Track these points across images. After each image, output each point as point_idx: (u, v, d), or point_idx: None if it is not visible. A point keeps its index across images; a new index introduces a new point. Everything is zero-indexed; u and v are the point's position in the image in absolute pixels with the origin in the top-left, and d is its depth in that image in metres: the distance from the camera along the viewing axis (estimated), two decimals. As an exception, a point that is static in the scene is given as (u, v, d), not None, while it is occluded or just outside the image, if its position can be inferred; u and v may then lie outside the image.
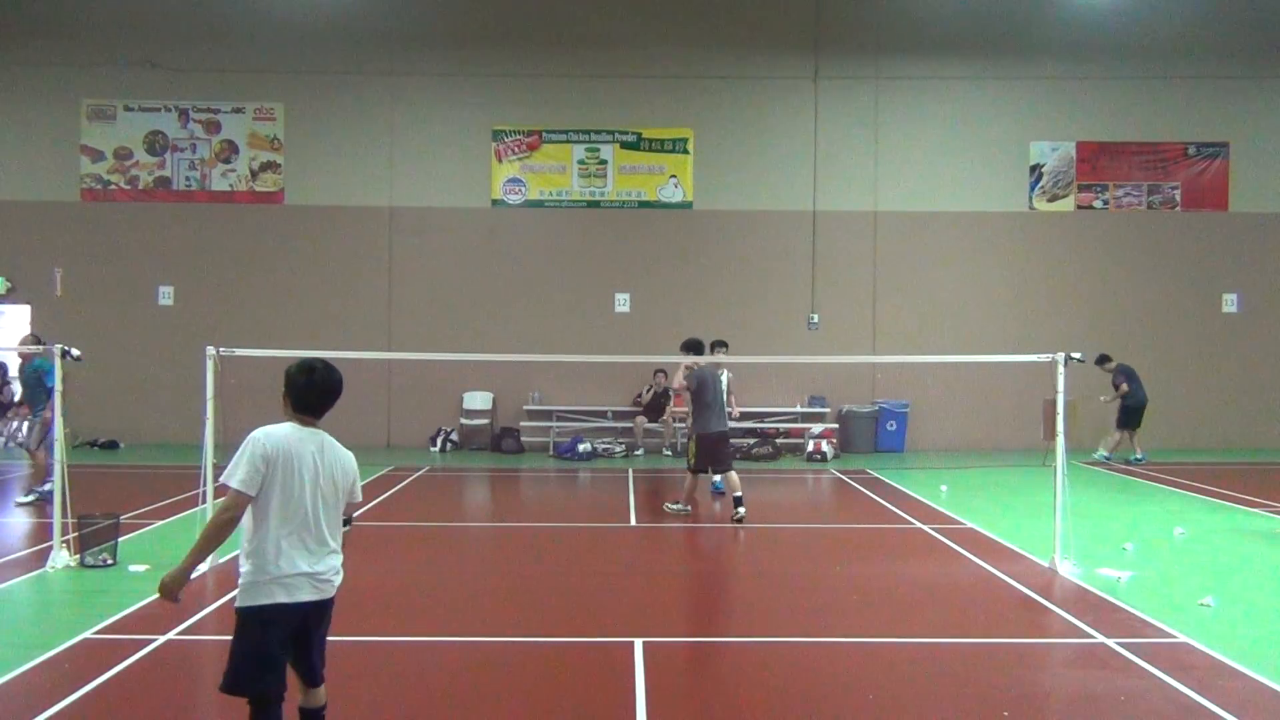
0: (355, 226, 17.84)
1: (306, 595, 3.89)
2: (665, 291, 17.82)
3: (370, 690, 5.45)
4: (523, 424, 17.70)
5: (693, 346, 11.04)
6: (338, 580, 4.06)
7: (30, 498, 11.38)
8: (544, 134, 17.92)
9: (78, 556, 8.18)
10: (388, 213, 17.89)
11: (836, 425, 17.32)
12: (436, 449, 17.31)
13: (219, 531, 3.82)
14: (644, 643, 6.28)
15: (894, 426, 17.24)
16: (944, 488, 12.95)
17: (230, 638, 3.94)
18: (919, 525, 10.49)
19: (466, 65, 17.91)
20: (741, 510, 10.40)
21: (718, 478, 12.03)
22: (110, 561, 8.22)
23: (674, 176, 17.95)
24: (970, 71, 18.04)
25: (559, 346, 16.22)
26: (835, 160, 17.92)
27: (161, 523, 10.12)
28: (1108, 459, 15.87)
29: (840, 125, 17.95)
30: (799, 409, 17.72)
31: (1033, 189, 18.13)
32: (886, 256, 17.94)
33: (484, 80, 17.96)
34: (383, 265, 17.88)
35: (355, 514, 4.32)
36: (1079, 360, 8.43)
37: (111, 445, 16.90)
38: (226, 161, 17.88)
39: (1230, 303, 18.14)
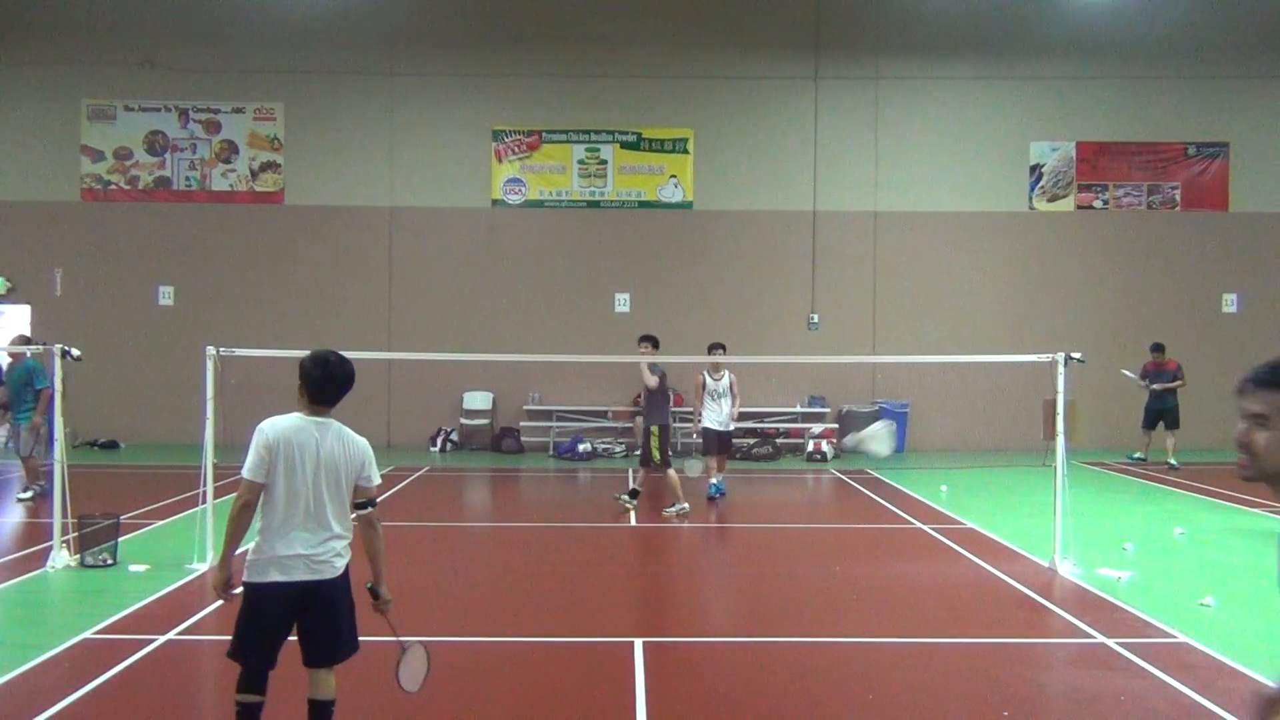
0: (355, 226, 17.84)
1: (301, 575, 4.09)
2: (665, 291, 17.82)
3: (370, 690, 5.45)
4: (523, 424, 17.70)
5: (654, 340, 11.21)
6: (339, 563, 4.20)
7: (29, 494, 11.41)
8: (544, 134, 17.92)
9: (78, 556, 8.18)
10: (388, 213, 17.89)
11: (836, 425, 17.32)
12: (436, 449, 17.31)
13: (235, 518, 4.11)
14: (644, 643, 6.28)
15: (894, 426, 17.21)
16: (944, 488, 12.95)
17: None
18: (919, 525, 10.49)
19: (466, 65, 17.91)
20: (632, 502, 11.15)
21: (715, 479, 11.99)
22: (110, 561, 8.23)
23: (674, 176, 17.95)
24: (970, 71, 18.04)
25: (559, 346, 16.21)
26: (835, 160, 17.92)
27: (161, 523, 10.12)
28: (1175, 466, 15.15)
29: (840, 125, 17.95)
30: (799, 409, 17.72)
31: (1033, 189, 18.13)
32: (886, 256, 17.94)
33: (484, 80, 17.96)
34: (383, 265, 17.88)
35: (377, 498, 4.43)
36: (1079, 360, 8.43)
37: (111, 445, 16.91)
38: (226, 161, 17.88)
39: (1230, 303, 18.14)
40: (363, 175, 17.86)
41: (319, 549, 4.14)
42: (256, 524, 4.20)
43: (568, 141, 17.93)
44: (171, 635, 6.34)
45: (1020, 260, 18.06)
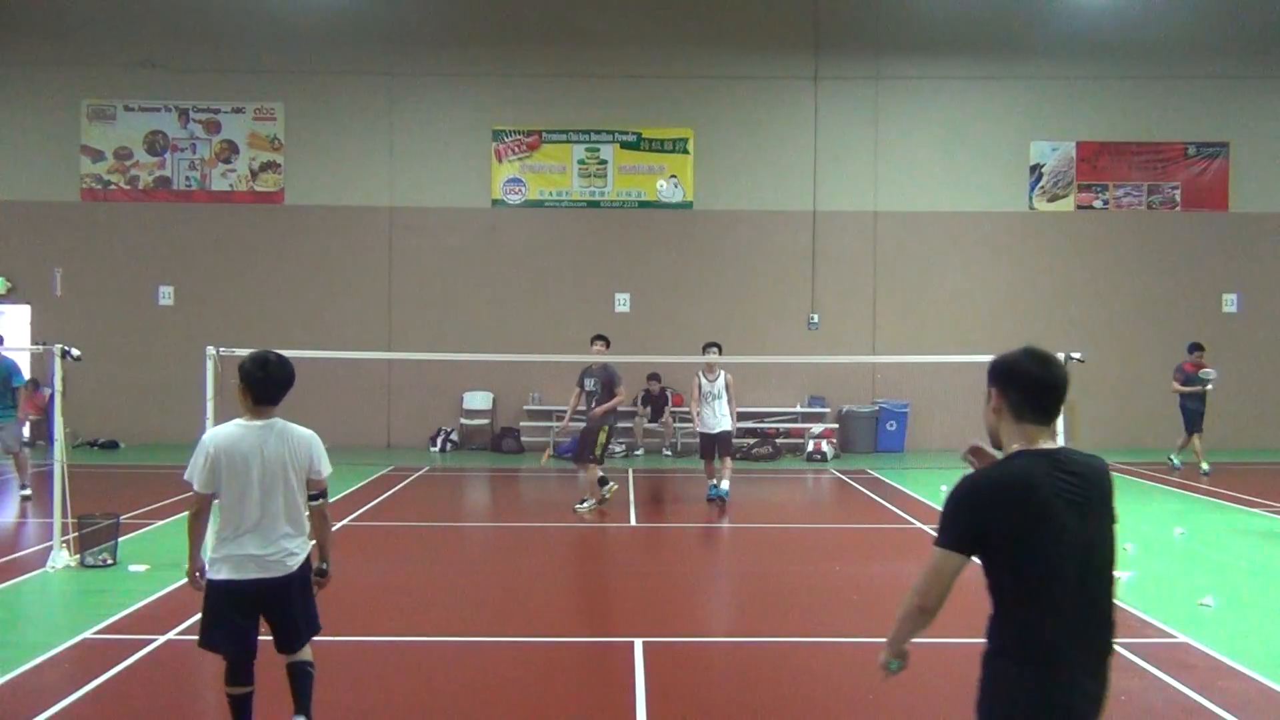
0: (355, 226, 17.84)
1: (254, 574, 4.29)
2: (665, 291, 17.82)
3: (371, 690, 5.45)
4: (523, 424, 17.70)
5: (606, 339, 11.48)
6: (292, 561, 4.36)
7: (28, 490, 11.58)
8: (544, 134, 17.92)
9: (78, 556, 8.18)
10: (388, 213, 17.89)
11: (836, 425, 17.32)
12: (436, 449, 17.31)
13: (191, 527, 4.43)
14: (644, 643, 6.28)
15: (894, 426, 17.24)
16: (944, 488, 12.83)
17: None
18: (919, 525, 10.49)
19: (466, 65, 17.91)
20: (588, 504, 11.16)
21: (714, 482, 11.89)
22: (110, 561, 8.23)
23: (674, 176, 17.95)
24: (970, 71, 18.03)
25: (559, 347, 16.20)
26: (835, 160, 17.91)
27: (161, 523, 10.11)
28: (1207, 472, 14.47)
29: (840, 125, 17.95)
30: (799, 409, 17.72)
31: (1033, 189, 18.13)
32: (886, 256, 17.94)
33: (484, 80, 17.96)
34: (383, 265, 17.88)
35: (326, 488, 4.57)
36: (1079, 360, 8.42)
37: (111, 445, 16.90)
38: (226, 161, 17.88)
39: (1230, 303, 18.14)
40: (363, 175, 17.86)
41: (270, 549, 4.30)
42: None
43: (568, 141, 17.93)
44: (171, 635, 6.33)
45: (1020, 260, 18.06)
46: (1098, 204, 18.16)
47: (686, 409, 15.03)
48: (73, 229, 17.69)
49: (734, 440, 12.43)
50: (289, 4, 17.35)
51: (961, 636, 6.83)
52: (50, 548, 8.28)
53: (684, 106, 17.94)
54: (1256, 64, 17.97)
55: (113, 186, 17.80)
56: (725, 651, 6.56)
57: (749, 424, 17.08)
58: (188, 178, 17.89)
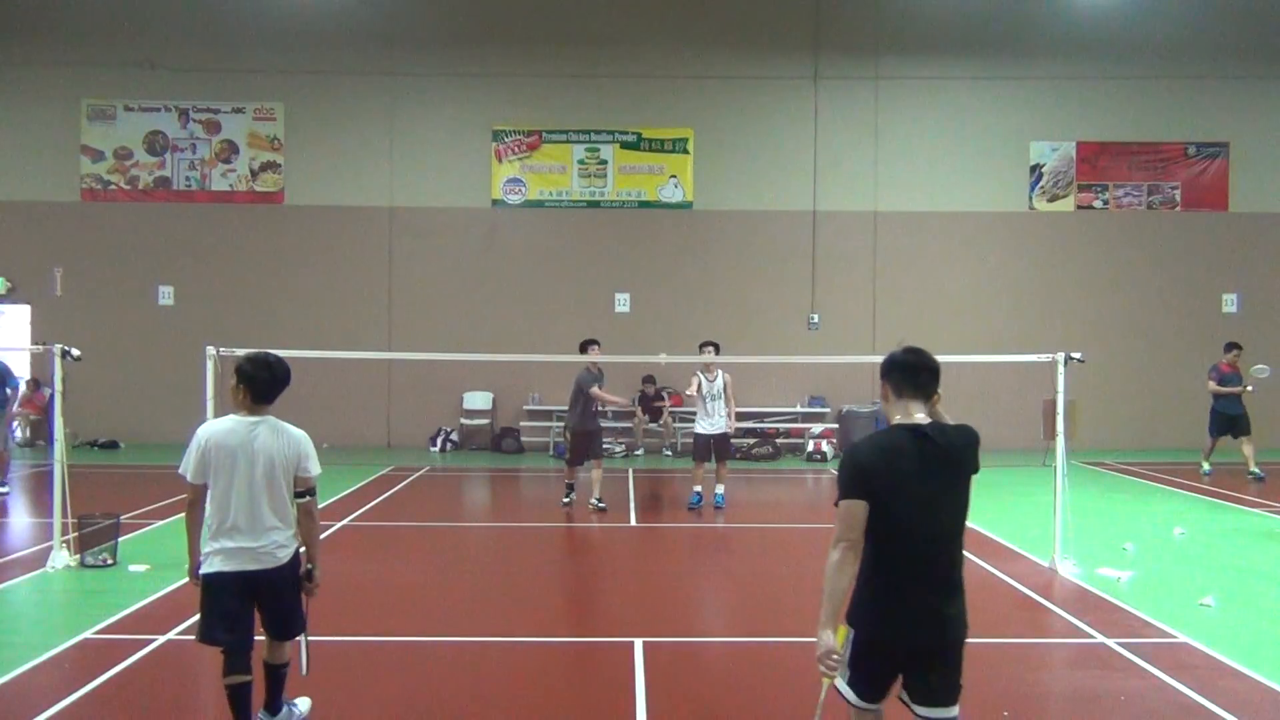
0: (355, 226, 17.84)
1: (245, 565, 4.42)
2: (665, 291, 17.82)
3: (371, 690, 5.45)
4: (523, 424, 17.71)
5: (584, 345, 11.49)
6: (282, 553, 4.50)
7: (6, 489, 11.78)
8: (544, 134, 17.92)
9: (78, 556, 8.18)
10: (388, 213, 17.89)
11: (836, 425, 17.31)
12: (436, 449, 17.31)
13: (187, 518, 4.60)
14: (644, 643, 6.28)
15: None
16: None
17: None
18: (919, 525, 10.48)
19: (466, 65, 17.91)
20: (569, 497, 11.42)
21: (698, 489, 11.77)
22: (110, 561, 8.23)
23: (674, 176, 17.95)
24: (970, 71, 18.03)
25: (559, 347, 16.20)
26: (835, 160, 17.91)
27: (161, 523, 10.11)
28: (1260, 476, 13.69)
29: (840, 125, 17.95)
30: (799, 409, 17.72)
31: (1033, 189, 18.13)
32: (886, 256, 17.94)
33: (484, 80, 17.96)
34: (383, 265, 17.88)
35: (313, 487, 4.67)
36: (1079, 360, 8.43)
37: (111, 445, 16.91)
38: (226, 161, 17.88)
39: (1230, 303, 18.14)
40: (363, 175, 17.86)
41: (259, 542, 4.44)
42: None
43: (568, 141, 17.93)
44: (171, 635, 6.33)
45: (1020, 260, 18.06)
46: (1098, 204, 18.16)
47: (689, 410, 15.02)
48: (73, 229, 17.69)
49: (732, 442, 12.26)
50: (289, 4, 17.35)
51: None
52: (50, 548, 8.28)
53: (684, 106, 17.94)
54: (1256, 64, 17.97)
55: (113, 186, 17.80)
56: (725, 651, 6.56)
57: (749, 424, 17.09)
58: (188, 178, 17.89)
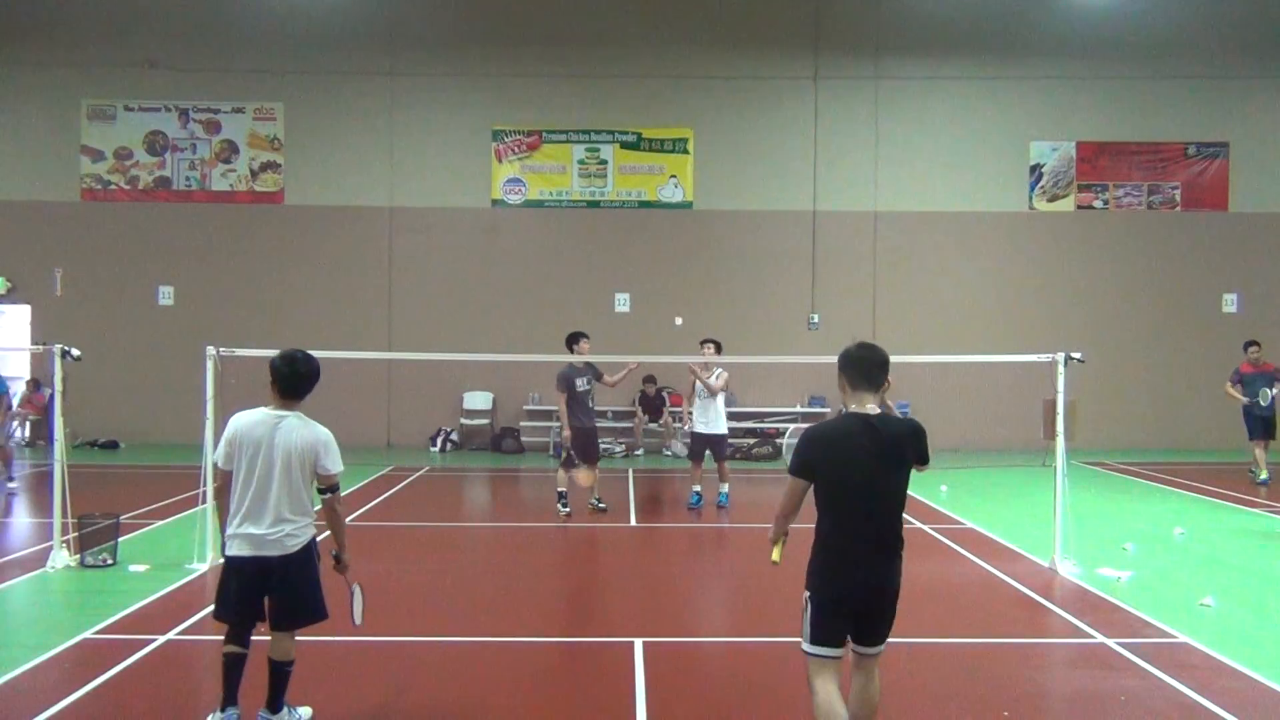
0: (355, 226, 17.84)
1: (256, 551, 4.60)
2: (665, 291, 17.82)
3: (370, 690, 5.45)
4: (523, 424, 17.71)
5: (570, 339, 11.28)
6: (291, 543, 4.63)
7: (13, 483, 11.84)
8: (544, 134, 17.92)
9: (78, 556, 8.18)
10: (388, 213, 17.89)
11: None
12: (436, 449, 17.31)
13: (217, 502, 4.82)
14: (644, 643, 6.28)
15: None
16: (944, 488, 12.94)
17: None
18: (919, 525, 10.48)
19: (466, 65, 17.91)
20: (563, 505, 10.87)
21: (697, 489, 11.77)
22: (110, 561, 8.22)
23: (674, 176, 17.95)
24: (970, 71, 18.03)
25: (560, 347, 16.18)
26: (835, 160, 17.91)
27: (161, 523, 10.11)
28: (1264, 480, 13.22)
29: (840, 125, 17.95)
30: (799, 409, 17.71)
31: (1033, 189, 18.12)
32: (886, 256, 17.94)
33: (484, 80, 17.96)
34: (383, 265, 17.88)
35: (336, 484, 4.81)
36: (1079, 360, 8.42)
37: (111, 445, 16.91)
38: (226, 161, 17.88)
39: (1230, 303, 18.14)
40: (363, 175, 17.85)
41: (269, 530, 4.60)
42: None
43: (568, 141, 17.93)
44: (171, 635, 6.33)
45: (1020, 260, 18.06)
46: (1098, 204, 18.16)
47: (684, 409, 15.00)
48: (73, 229, 17.68)
49: (728, 442, 12.09)
50: (289, 4, 17.36)
51: (961, 636, 6.86)
52: (50, 548, 8.27)
53: (684, 106, 17.94)
54: (1256, 64, 17.97)
55: (113, 186, 17.80)
56: (725, 651, 6.55)
57: (749, 424, 17.09)
58: (188, 178, 17.89)
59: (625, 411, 17.48)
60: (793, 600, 7.59)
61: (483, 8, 17.98)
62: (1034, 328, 17.06)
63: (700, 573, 9.08)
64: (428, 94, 17.97)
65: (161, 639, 6.25)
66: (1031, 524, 10.17)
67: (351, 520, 10.58)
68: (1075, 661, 6.19)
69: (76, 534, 8.25)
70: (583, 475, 10.73)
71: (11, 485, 11.89)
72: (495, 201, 17.94)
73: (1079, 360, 8.42)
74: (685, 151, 17.95)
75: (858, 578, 4.06)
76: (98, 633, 6.40)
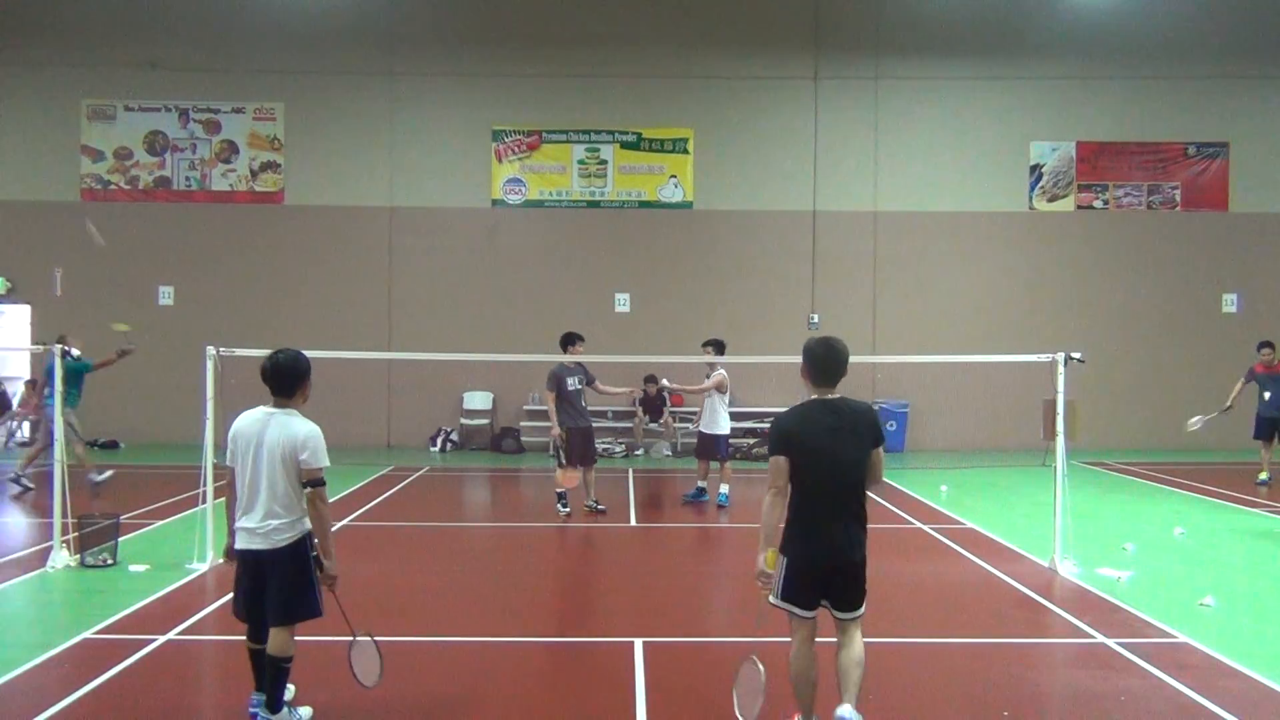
0: (355, 226, 17.84)
1: (252, 544, 4.80)
2: (665, 291, 17.82)
3: (370, 690, 5.45)
4: (523, 424, 17.70)
5: (564, 340, 11.37)
6: (279, 537, 4.76)
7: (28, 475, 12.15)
8: (544, 134, 17.92)
9: (78, 556, 8.18)
10: (388, 213, 17.89)
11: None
12: (436, 449, 17.31)
13: (225, 500, 4.98)
14: (644, 643, 6.28)
15: (894, 426, 17.23)
16: (944, 488, 12.95)
17: None
18: (919, 525, 10.49)
19: (466, 65, 17.91)
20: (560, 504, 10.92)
21: (702, 484, 11.81)
22: (110, 561, 8.23)
23: (674, 176, 17.95)
24: (970, 71, 18.03)
25: (559, 347, 16.22)
26: (835, 160, 17.91)
27: (161, 523, 10.11)
28: (1265, 481, 13.26)
29: (840, 125, 17.95)
30: (799, 409, 17.67)
31: (1033, 189, 18.13)
32: (886, 256, 17.93)
33: (484, 80, 17.96)
34: (383, 265, 17.88)
35: (318, 478, 4.84)
36: (1079, 360, 8.42)
37: (111, 445, 16.90)
38: (226, 161, 17.88)
39: (1230, 303, 18.14)
40: (363, 175, 17.85)
41: (261, 524, 4.77)
42: None
43: (568, 141, 17.93)
44: (171, 635, 6.33)
45: (1020, 260, 18.06)
46: (1098, 204, 18.16)
47: (690, 409, 15.02)
48: (73, 229, 17.62)
49: (728, 442, 12.09)
50: (289, 4, 17.36)
51: (962, 637, 6.86)
52: (50, 547, 8.28)
53: (684, 106, 17.94)
54: (1256, 64, 17.97)
55: (113, 186, 17.80)
56: (725, 651, 6.55)
57: (749, 424, 17.08)
58: (188, 178, 17.89)
59: (625, 412, 17.47)
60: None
61: (483, 8, 17.98)
62: (1034, 328, 17.06)
63: (700, 573, 9.08)
64: (428, 94, 17.97)
65: (161, 639, 6.25)
66: (1031, 524, 10.17)
67: (351, 520, 10.58)
68: (1075, 661, 6.19)
69: (76, 534, 8.25)
70: (563, 475, 10.70)
71: (29, 487, 11.98)
72: (495, 201, 17.94)
73: (1079, 360, 8.42)
74: (685, 151, 17.95)
75: (829, 542, 4.57)
76: (98, 633, 6.40)
